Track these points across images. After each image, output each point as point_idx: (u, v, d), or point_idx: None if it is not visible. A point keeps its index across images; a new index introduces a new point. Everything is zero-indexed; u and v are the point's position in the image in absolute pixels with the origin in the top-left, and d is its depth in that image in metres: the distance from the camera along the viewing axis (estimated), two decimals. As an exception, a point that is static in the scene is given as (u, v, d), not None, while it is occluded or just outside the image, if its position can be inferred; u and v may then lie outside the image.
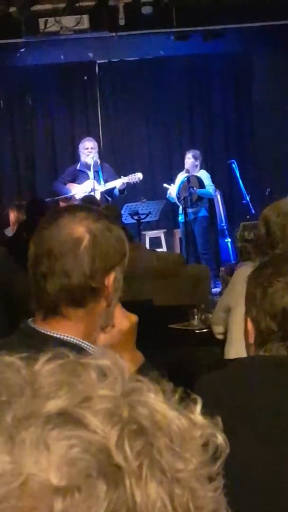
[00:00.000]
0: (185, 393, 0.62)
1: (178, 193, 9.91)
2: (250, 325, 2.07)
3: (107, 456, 0.55)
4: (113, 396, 0.58)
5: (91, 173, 9.59)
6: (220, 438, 0.60)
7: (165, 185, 10.34)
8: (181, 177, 10.06)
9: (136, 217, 9.48)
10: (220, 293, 5.53)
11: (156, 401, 0.60)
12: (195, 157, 10.20)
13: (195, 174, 10.04)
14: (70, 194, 9.56)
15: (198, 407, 0.61)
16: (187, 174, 9.97)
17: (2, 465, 0.54)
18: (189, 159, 10.19)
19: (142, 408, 0.58)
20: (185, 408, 0.61)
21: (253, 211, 9.74)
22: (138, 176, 9.73)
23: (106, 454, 0.55)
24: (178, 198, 9.88)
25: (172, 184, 10.18)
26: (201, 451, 0.59)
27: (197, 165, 10.19)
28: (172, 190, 10.11)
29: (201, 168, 10.26)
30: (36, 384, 0.58)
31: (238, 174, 10.55)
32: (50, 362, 0.61)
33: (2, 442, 0.55)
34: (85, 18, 9.01)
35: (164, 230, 10.53)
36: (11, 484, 0.53)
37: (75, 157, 10.43)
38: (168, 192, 10.21)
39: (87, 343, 1.78)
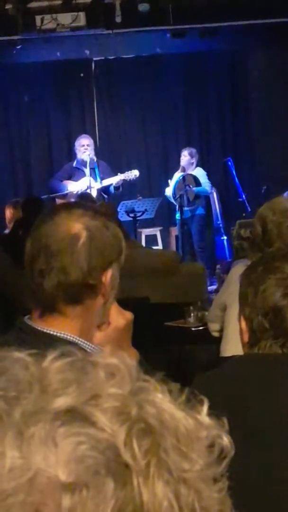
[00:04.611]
0: (192, 394, 0.62)
1: (174, 192, 9.88)
2: (243, 324, 2.06)
3: (115, 454, 0.55)
4: (121, 394, 0.58)
5: (87, 170, 9.58)
6: (226, 440, 0.61)
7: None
8: (177, 176, 10.05)
9: (132, 215, 9.47)
10: (216, 291, 5.54)
11: (164, 401, 0.60)
12: (191, 155, 10.19)
13: (191, 172, 10.03)
14: (67, 192, 9.55)
15: (205, 408, 0.61)
16: (182, 173, 9.96)
17: (11, 460, 0.54)
18: (185, 157, 10.18)
19: (150, 407, 0.58)
20: (191, 409, 0.61)
21: (249, 209, 9.74)
22: (135, 173, 9.71)
23: (114, 452, 0.55)
24: (174, 197, 9.87)
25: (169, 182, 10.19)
26: (207, 452, 0.59)
27: (193, 163, 10.18)
28: (168, 189, 10.10)
29: (197, 166, 10.25)
30: (45, 380, 0.59)
31: (234, 172, 10.54)
32: (58, 359, 0.61)
33: (12, 437, 0.55)
34: (82, 15, 8.99)
35: (160, 228, 10.52)
36: (20, 479, 0.53)
37: (71, 155, 10.42)
38: (166, 190, 10.21)
39: (83, 340, 1.78)
